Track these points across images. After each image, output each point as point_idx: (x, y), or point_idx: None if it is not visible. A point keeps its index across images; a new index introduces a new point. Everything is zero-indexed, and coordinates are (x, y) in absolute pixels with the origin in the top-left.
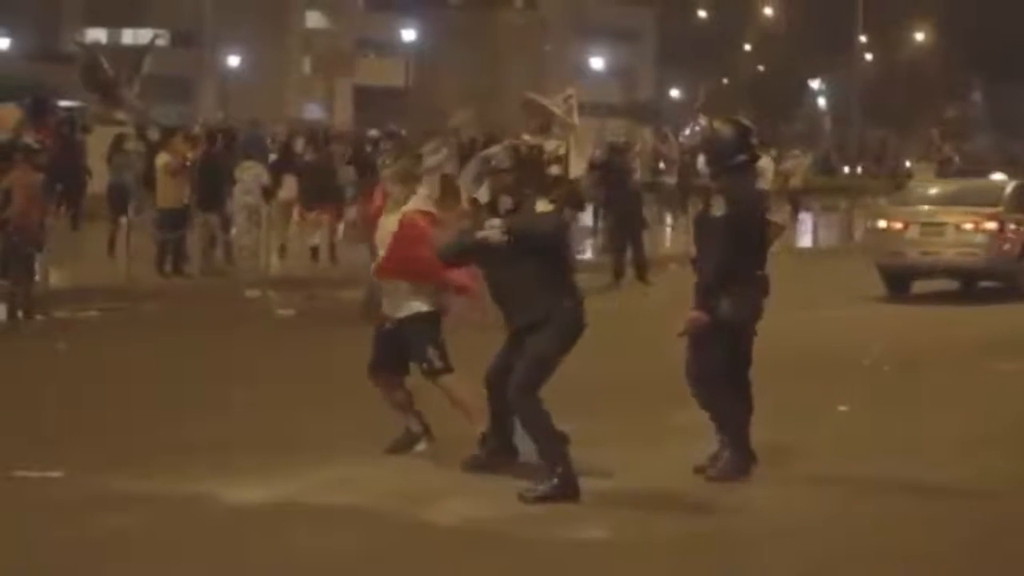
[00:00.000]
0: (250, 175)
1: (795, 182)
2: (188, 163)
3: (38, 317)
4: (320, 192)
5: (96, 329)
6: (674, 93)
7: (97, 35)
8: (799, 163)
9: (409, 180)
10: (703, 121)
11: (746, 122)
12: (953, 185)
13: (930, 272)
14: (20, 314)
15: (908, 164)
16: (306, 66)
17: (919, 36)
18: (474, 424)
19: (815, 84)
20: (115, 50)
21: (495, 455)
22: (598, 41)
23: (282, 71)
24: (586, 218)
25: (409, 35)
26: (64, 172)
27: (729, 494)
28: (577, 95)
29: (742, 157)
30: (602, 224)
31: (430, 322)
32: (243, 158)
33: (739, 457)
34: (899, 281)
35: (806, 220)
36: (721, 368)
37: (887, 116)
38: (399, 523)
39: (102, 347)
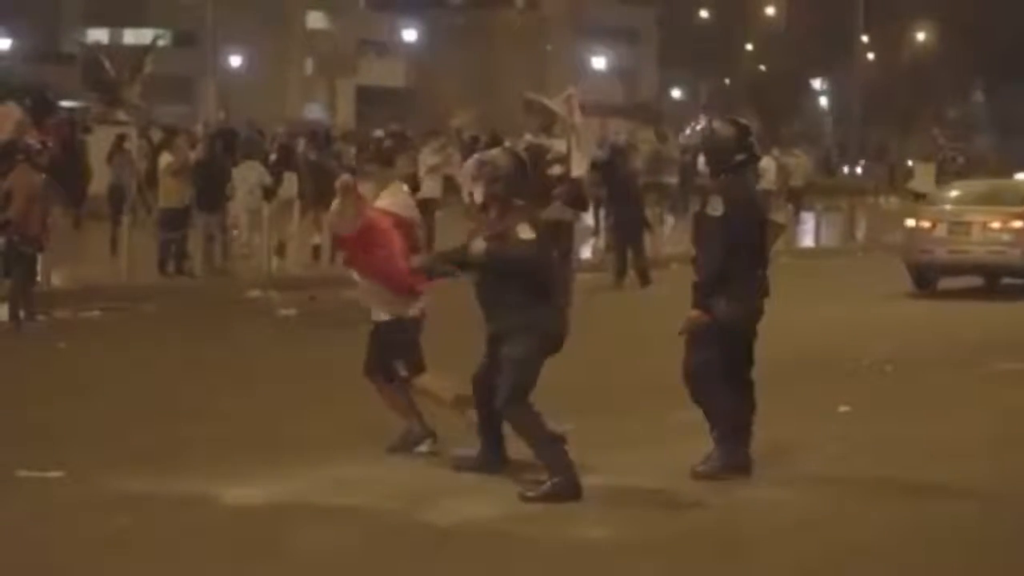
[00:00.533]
0: (253, 175)
1: (796, 182)
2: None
3: (39, 317)
4: (322, 192)
5: (97, 329)
6: (676, 93)
7: (98, 35)
8: (799, 163)
9: (376, 177)
10: (703, 120)
11: (745, 122)
12: (981, 185)
13: (958, 269)
14: (21, 314)
15: (910, 163)
16: (308, 66)
17: (920, 36)
18: (464, 414)
19: (817, 84)
20: (116, 50)
21: (485, 456)
22: (599, 41)
23: (283, 71)
24: (587, 218)
25: (410, 35)
26: (65, 172)
27: (729, 493)
28: (578, 95)
29: (741, 156)
30: (604, 224)
31: (393, 331)
32: (243, 158)
33: (728, 455)
34: (927, 278)
35: (808, 220)
36: (717, 367)
37: (889, 116)
38: (399, 523)
39: (103, 347)
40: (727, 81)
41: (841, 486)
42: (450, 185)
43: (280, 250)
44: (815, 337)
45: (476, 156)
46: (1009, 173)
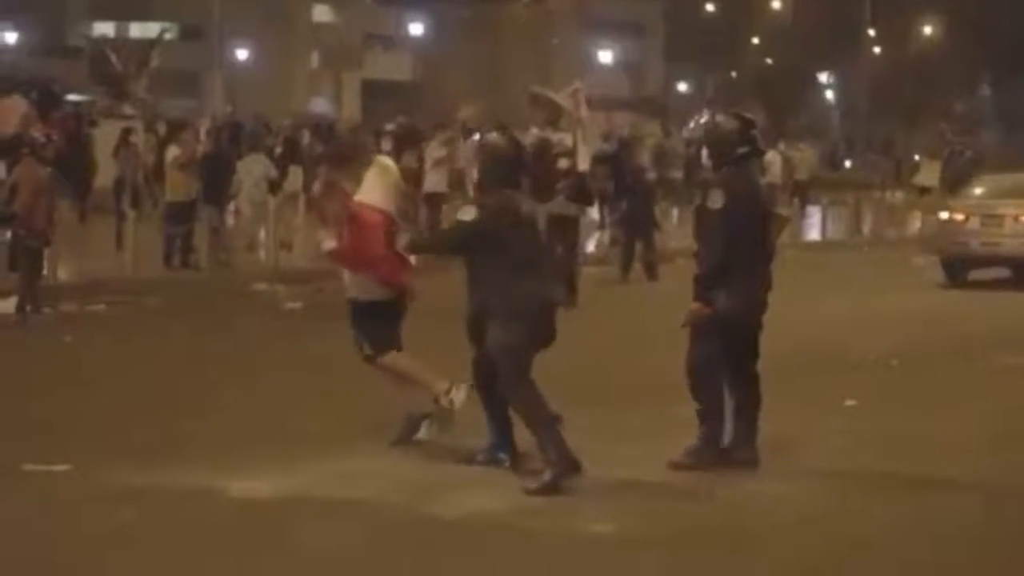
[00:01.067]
0: (259, 168)
1: (800, 175)
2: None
3: (45, 310)
4: None
5: (103, 322)
6: (682, 87)
7: (104, 29)
8: (804, 156)
9: (344, 163)
10: (706, 114)
11: (748, 115)
12: (1013, 179)
13: (990, 261)
14: (27, 308)
15: (916, 158)
16: (314, 60)
17: (927, 30)
18: (432, 389)
19: (823, 78)
20: (123, 44)
21: (493, 451)
22: (605, 34)
23: (290, 65)
24: (593, 212)
25: (416, 29)
26: (71, 166)
27: (734, 487)
28: (584, 89)
29: (743, 150)
30: (610, 218)
31: (365, 311)
32: (248, 151)
33: (707, 449)
34: (959, 270)
35: (813, 214)
36: (717, 361)
37: (895, 110)
38: (404, 516)
39: (109, 340)
40: (733, 75)
41: (846, 480)
42: (457, 179)
43: (286, 244)
44: (821, 331)
45: (478, 138)
46: (1015, 168)
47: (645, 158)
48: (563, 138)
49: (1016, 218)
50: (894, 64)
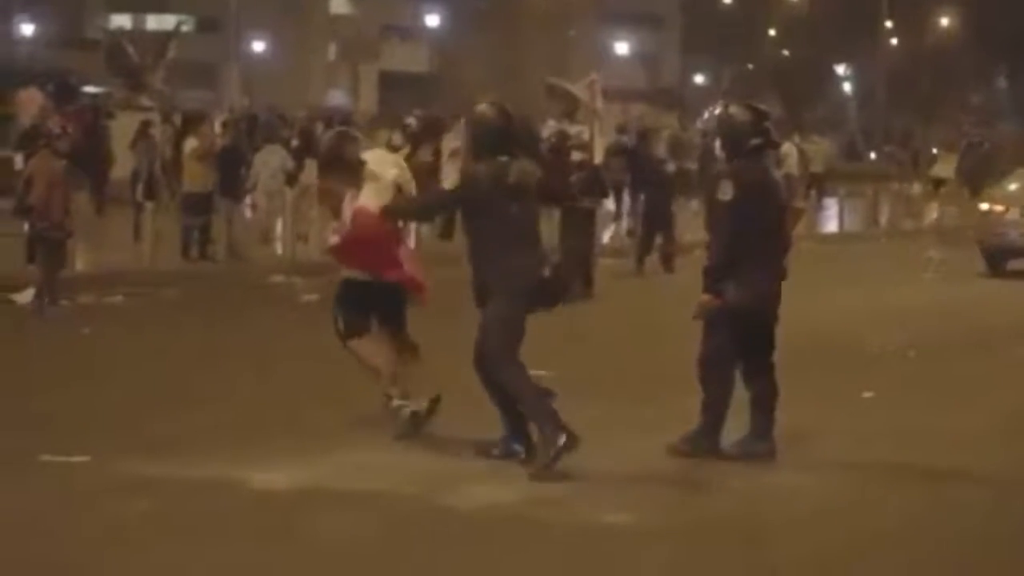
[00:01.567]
0: (275, 159)
1: (816, 167)
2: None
3: (63, 302)
4: None
5: (121, 314)
6: (699, 79)
7: (121, 21)
8: (819, 149)
9: (330, 170)
10: (720, 105)
11: (762, 107)
12: None
13: None
14: (45, 299)
15: (935, 151)
16: (331, 52)
17: (944, 21)
18: (380, 383)
19: (840, 69)
20: (140, 36)
21: (508, 443)
22: (622, 26)
23: (306, 57)
24: (608, 203)
25: (433, 20)
26: (88, 158)
27: (750, 479)
28: (601, 80)
29: (756, 141)
30: (628, 209)
31: (344, 287)
32: (264, 142)
33: (704, 438)
34: (999, 260)
35: (830, 206)
36: (728, 353)
37: (912, 102)
38: (419, 508)
39: (127, 332)
40: (750, 67)
41: (863, 472)
42: None
43: (303, 236)
44: (838, 322)
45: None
46: None
47: (662, 150)
48: (581, 131)
49: None
50: (911, 56)
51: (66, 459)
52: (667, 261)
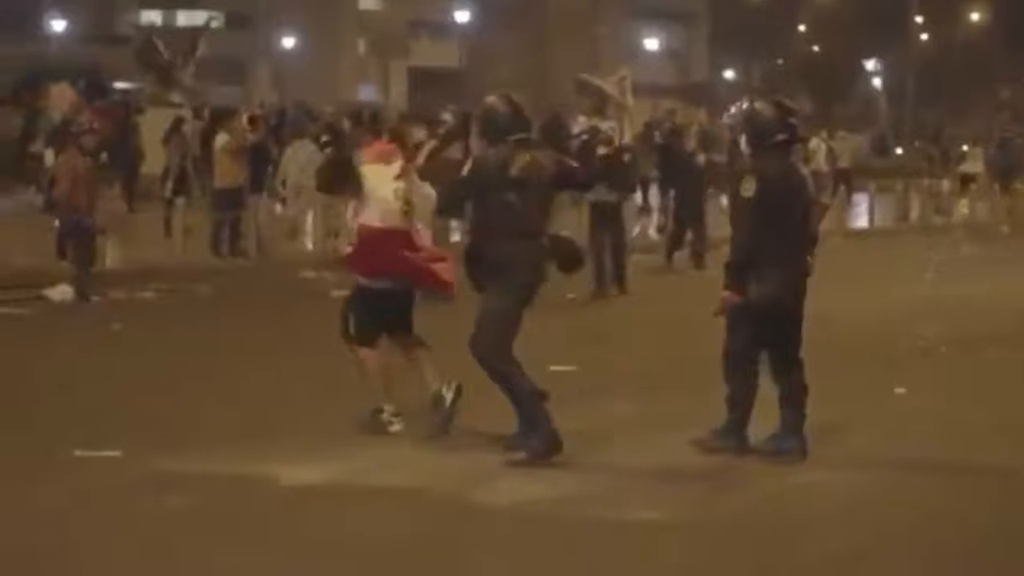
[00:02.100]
0: (303, 154)
1: (843, 163)
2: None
3: (94, 298)
4: None
5: (152, 310)
6: (728, 74)
7: (152, 17)
8: (845, 144)
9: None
10: (744, 101)
11: (787, 102)
12: None
13: None
14: (77, 295)
15: (965, 148)
16: (360, 47)
17: (975, 16)
18: (382, 401)
19: (870, 65)
20: (170, 32)
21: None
22: (652, 22)
23: (336, 53)
24: (636, 198)
25: (463, 16)
26: (118, 154)
27: (783, 475)
28: (631, 76)
29: (782, 136)
30: (657, 205)
31: (359, 294)
32: (292, 138)
33: (731, 435)
34: None
35: (860, 201)
36: (750, 348)
37: (942, 97)
38: (451, 504)
39: (158, 328)
40: (780, 62)
41: (896, 469)
42: None
43: (332, 231)
44: (869, 318)
45: None
46: None
47: (692, 144)
48: (612, 127)
49: None
50: (941, 51)
51: (98, 454)
52: (697, 257)
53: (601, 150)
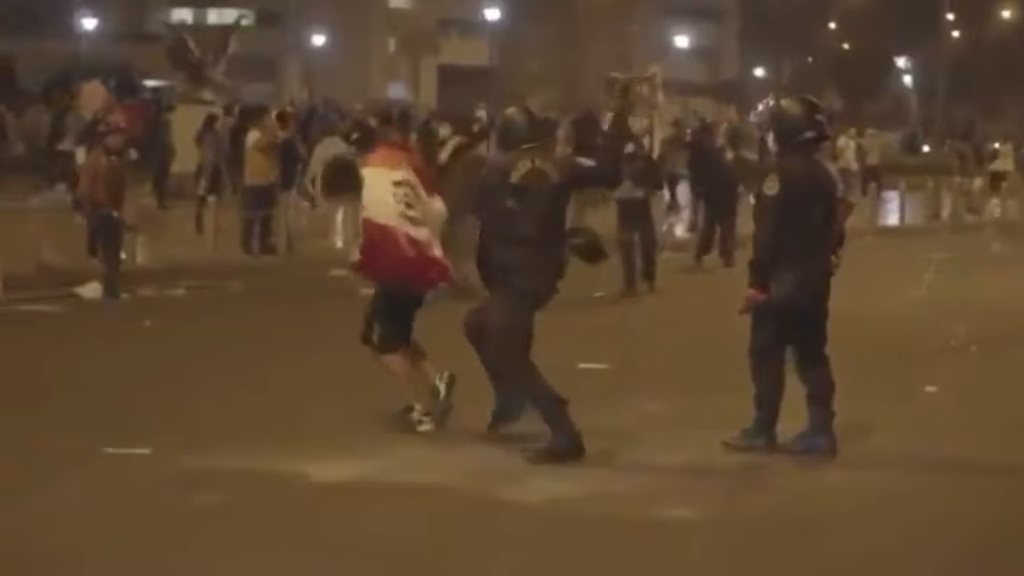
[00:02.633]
0: (332, 151)
1: (871, 160)
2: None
3: (123, 295)
4: None
5: (183, 307)
6: (758, 72)
7: (182, 15)
8: (873, 143)
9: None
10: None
11: (814, 99)
12: None
13: None
14: (115, 285)
15: (996, 146)
16: (390, 45)
17: (1006, 13)
18: (412, 400)
19: (901, 62)
20: (201, 30)
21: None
22: (682, 20)
23: (366, 50)
24: (664, 195)
25: (493, 14)
26: (149, 152)
27: (813, 473)
28: (661, 74)
29: (809, 134)
30: (687, 203)
31: (382, 299)
32: (322, 135)
33: (759, 435)
34: None
35: (890, 199)
36: (774, 346)
37: (973, 95)
38: (478, 502)
39: (188, 325)
40: (810, 60)
41: (925, 467)
42: None
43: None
44: (899, 317)
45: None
46: None
47: (721, 141)
48: (643, 124)
49: None
50: (973, 48)
51: (129, 451)
52: (727, 255)
53: (628, 148)
